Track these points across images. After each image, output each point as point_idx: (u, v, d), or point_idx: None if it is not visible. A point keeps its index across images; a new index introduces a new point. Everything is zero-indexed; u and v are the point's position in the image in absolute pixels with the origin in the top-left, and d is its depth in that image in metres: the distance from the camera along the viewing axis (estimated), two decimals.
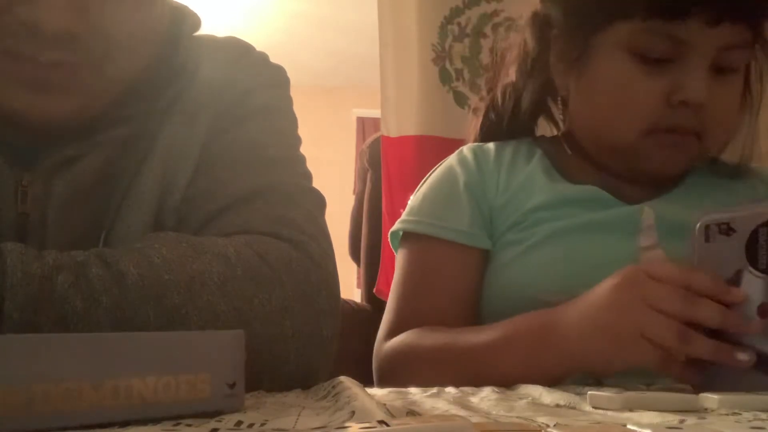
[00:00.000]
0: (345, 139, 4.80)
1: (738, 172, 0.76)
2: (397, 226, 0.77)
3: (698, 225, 0.51)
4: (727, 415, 0.33)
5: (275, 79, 0.64)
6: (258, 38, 0.71)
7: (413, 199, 0.79)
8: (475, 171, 0.77)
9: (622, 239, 0.68)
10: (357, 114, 5.03)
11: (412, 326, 0.69)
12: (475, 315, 0.72)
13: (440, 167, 0.81)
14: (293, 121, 0.64)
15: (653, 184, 0.74)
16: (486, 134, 0.84)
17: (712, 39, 0.65)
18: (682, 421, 0.31)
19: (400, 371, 0.66)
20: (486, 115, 0.84)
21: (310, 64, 4.32)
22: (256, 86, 0.61)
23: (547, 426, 0.28)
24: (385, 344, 0.71)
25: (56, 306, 0.40)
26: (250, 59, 0.64)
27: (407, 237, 0.76)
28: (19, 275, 0.39)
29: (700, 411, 0.35)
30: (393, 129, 1.44)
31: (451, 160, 0.80)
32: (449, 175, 0.78)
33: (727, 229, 0.49)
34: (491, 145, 0.80)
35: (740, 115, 0.74)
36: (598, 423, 0.30)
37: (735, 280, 0.48)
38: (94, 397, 0.27)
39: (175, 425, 0.28)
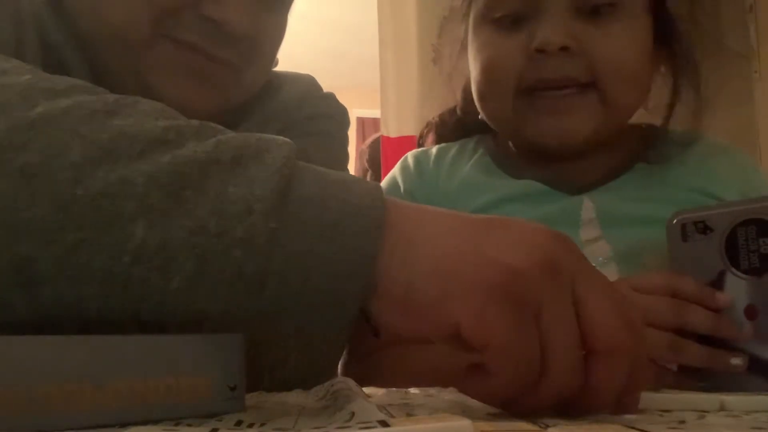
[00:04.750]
0: None
1: (679, 150, 0.70)
2: None
3: (674, 222, 0.50)
4: (726, 415, 0.34)
5: (339, 115, 0.70)
6: None
7: None
8: (415, 177, 0.75)
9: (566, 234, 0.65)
10: (357, 114, 5.02)
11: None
12: None
13: (385, 179, 0.80)
14: (346, 154, 0.70)
15: (600, 171, 0.69)
16: (441, 136, 0.82)
17: None
18: (681, 422, 0.31)
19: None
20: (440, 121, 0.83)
21: (310, 64, 4.32)
22: (320, 114, 0.67)
23: (547, 426, 0.28)
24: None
25: None
26: (320, 93, 0.70)
27: None
28: None
29: (700, 411, 0.35)
30: (393, 129, 1.44)
31: (395, 168, 0.79)
32: (391, 184, 0.76)
33: (704, 228, 0.49)
34: (434, 148, 0.78)
35: (648, 62, 0.67)
36: (598, 423, 0.30)
37: (718, 282, 0.48)
38: (95, 399, 0.27)
39: (175, 425, 0.28)
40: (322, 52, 4.41)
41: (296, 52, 4.28)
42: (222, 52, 0.51)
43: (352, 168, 1.68)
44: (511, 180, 0.71)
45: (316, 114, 0.67)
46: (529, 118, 0.65)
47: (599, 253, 0.63)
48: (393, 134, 1.43)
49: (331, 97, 0.71)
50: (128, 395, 0.28)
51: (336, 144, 0.68)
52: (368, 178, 1.49)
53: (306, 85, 0.70)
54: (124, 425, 0.28)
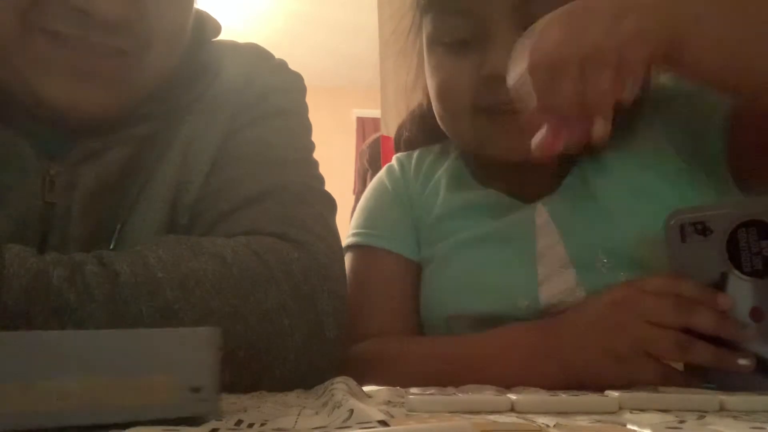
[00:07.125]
0: (345, 139, 4.79)
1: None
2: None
3: (672, 223, 0.50)
4: (726, 415, 0.34)
5: (292, 84, 0.66)
6: (258, 38, 0.71)
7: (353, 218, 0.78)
8: (400, 180, 0.76)
9: (522, 245, 0.64)
10: (357, 114, 5.03)
11: (362, 332, 0.66)
12: (416, 322, 0.69)
13: (373, 180, 0.80)
14: (307, 127, 0.66)
15: (548, 178, 0.67)
16: (407, 143, 0.83)
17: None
18: (681, 422, 0.31)
19: (381, 377, 0.58)
20: (401, 128, 0.84)
21: (310, 64, 4.31)
22: (273, 90, 0.63)
23: (547, 426, 0.28)
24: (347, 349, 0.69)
25: (50, 298, 0.40)
26: (269, 64, 0.66)
27: (347, 251, 0.74)
28: (16, 267, 0.40)
29: (700, 411, 0.35)
30: (393, 129, 1.44)
31: (382, 171, 0.80)
32: (379, 188, 0.77)
33: (703, 229, 0.49)
34: (416, 152, 0.79)
35: None
36: (598, 423, 0.30)
37: (720, 284, 0.48)
38: (28, 400, 0.25)
39: (175, 425, 0.28)
40: (322, 52, 4.41)
41: (296, 52, 4.29)
42: (106, 41, 0.48)
43: (351, 168, 1.67)
44: (473, 190, 0.71)
45: (267, 90, 0.62)
46: (490, 137, 0.65)
47: (557, 259, 0.62)
48: (393, 134, 1.43)
49: (280, 67, 0.66)
50: (77, 393, 0.26)
51: (296, 118, 0.64)
52: (368, 177, 1.49)
53: (250, 56, 0.65)
54: (83, 429, 0.26)
